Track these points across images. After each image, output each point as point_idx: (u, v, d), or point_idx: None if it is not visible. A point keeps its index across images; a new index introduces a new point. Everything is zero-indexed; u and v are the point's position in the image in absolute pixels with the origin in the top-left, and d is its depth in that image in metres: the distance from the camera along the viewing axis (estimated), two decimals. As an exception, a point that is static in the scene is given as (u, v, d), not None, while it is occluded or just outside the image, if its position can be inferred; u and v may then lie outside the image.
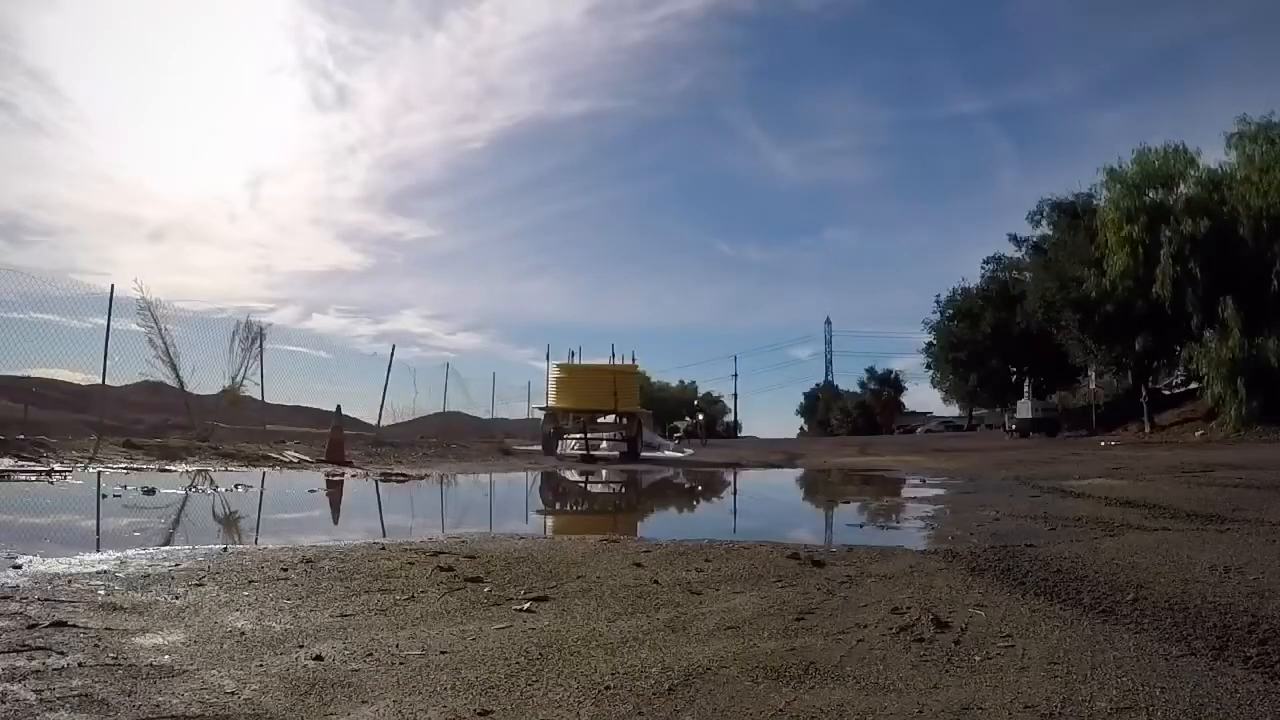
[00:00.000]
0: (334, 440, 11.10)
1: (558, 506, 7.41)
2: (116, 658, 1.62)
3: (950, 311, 39.27)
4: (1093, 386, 27.72)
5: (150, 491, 5.96)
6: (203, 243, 60.71)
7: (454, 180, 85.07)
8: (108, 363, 10.98)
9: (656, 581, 2.53)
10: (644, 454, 15.76)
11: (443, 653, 1.71)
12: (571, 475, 10.69)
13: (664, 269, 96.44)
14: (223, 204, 68.00)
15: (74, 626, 1.85)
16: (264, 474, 8.58)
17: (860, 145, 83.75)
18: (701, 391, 63.90)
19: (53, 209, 54.00)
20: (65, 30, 49.28)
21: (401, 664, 1.63)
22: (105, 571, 2.59)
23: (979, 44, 74.72)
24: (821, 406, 62.15)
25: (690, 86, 78.90)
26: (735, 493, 8.79)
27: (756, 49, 78.08)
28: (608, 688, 1.46)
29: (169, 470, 8.34)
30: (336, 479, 8.49)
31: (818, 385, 64.51)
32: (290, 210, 75.38)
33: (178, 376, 12.43)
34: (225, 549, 3.22)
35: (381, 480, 8.39)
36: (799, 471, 11.55)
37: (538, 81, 76.27)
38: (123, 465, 8.52)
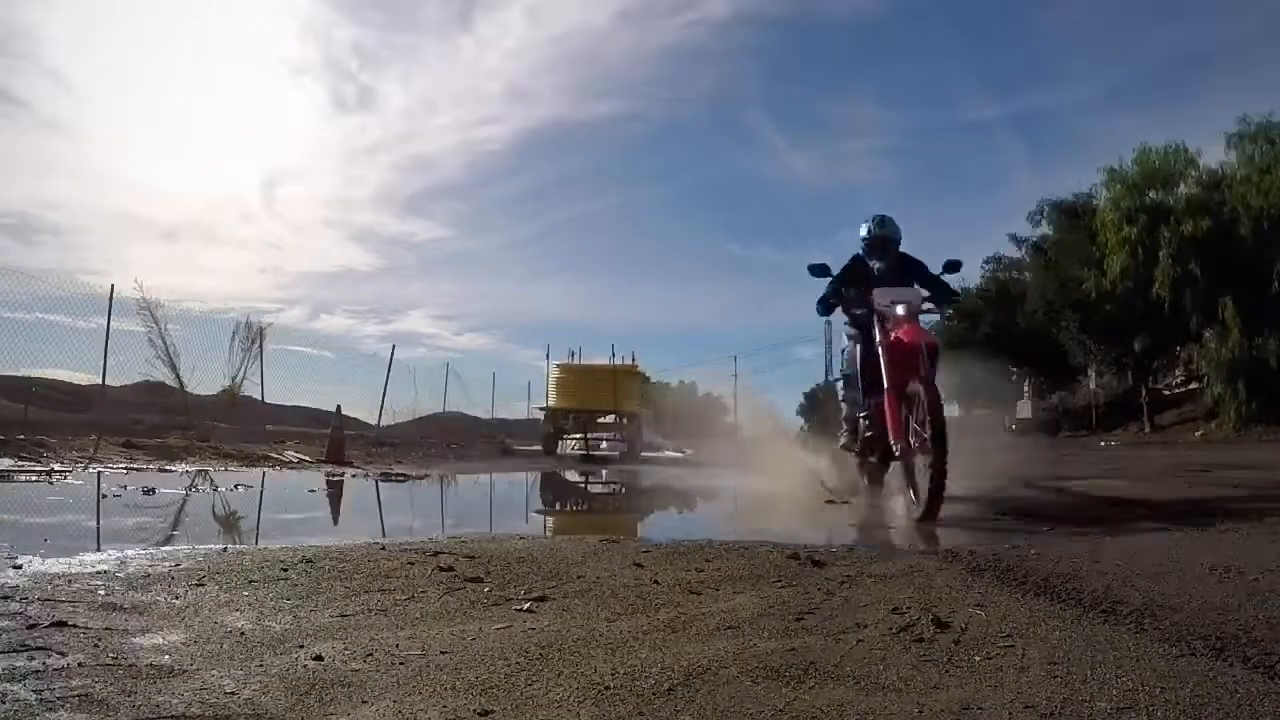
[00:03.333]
0: (334, 440, 11.12)
1: (558, 506, 7.40)
2: (116, 658, 1.63)
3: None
4: (1093, 386, 27.77)
5: (150, 491, 5.95)
6: (215, 243, 60.77)
7: (471, 182, 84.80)
8: (108, 363, 11.01)
9: (656, 581, 2.53)
10: (644, 454, 15.76)
11: (443, 653, 1.71)
12: (571, 475, 10.69)
13: (675, 271, 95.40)
14: (236, 204, 68.29)
15: (74, 626, 1.85)
16: (264, 474, 8.58)
17: (877, 149, 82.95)
18: (701, 392, 63.83)
19: (64, 209, 54.11)
20: (79, 29, 49.27)
21: (401, 664, 1.63)
22: (105, 571, 2.59)
23: (998, 50, 73.99)
24: (822, 407, 62.10)
25: (710, 89, 78.61)
26: (735, 493, 8.78)
27: (778, 52, 77.71)
28: (608, 688, 1.46)
29: (169, 470, 8.34)
30: (336, 479, 8.49)
31: (818, 385, 64.52)
32: (304, 211, 75.38)
33: (178, 377, 12.49)
34: (225, 549, 3.22)
35: (381, 480, 8.39)
36: (799, 472, 11.54)
37: (560, 85, 76.27)
38: (123, 465, 8.52)
